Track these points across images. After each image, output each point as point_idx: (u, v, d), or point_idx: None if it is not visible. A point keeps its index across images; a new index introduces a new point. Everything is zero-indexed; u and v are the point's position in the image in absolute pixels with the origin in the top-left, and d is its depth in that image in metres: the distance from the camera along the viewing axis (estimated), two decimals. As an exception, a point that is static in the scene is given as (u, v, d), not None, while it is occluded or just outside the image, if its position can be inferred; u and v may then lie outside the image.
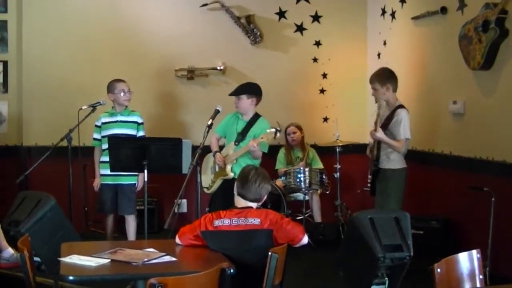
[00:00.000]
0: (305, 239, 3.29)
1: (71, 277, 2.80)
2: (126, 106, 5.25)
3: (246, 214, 3.22)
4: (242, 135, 5.09)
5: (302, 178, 5.92)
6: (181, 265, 3.05)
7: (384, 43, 6.53)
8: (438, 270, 2.56)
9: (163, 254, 3.04)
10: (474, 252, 2.75)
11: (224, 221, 3.20)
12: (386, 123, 4.80)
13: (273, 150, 6.40)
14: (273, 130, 4.69)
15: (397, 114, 4.77)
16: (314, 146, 6.57)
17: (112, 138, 4.71)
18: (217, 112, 4.89)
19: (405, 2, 6.10)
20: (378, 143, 4.84)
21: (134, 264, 2.89)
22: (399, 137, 4.75)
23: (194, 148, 4.59)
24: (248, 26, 6.66)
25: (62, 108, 6.21)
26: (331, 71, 6.90)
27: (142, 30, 6.54)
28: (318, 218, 6.17)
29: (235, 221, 3.20)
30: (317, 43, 6.87)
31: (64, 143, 5.33)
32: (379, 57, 6.64)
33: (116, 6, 6.51)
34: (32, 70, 6.36)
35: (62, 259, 2.94)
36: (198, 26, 6.63)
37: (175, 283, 2.50)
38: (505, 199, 4.62)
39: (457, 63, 5.11)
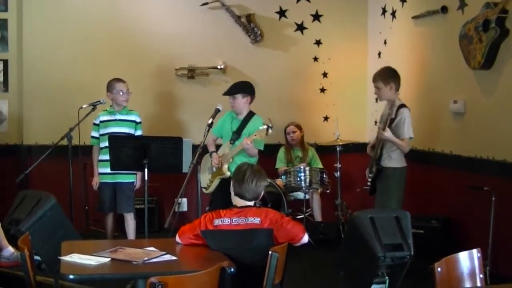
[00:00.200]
0: (305, 238, 3.28)
1: (71, 276, 2.79)
2: (125, 106, 5.25)
3: (246, 214, 3.21)
4: (237, 134, 5.11)
5: (302, 177, 5.92)
6: (181, 264, 3.04)
7: (385, 43, 6.53)
8: (439, 269, 2.55)
9: (163, 253, 3.03)
10: (474, 251, 2.75)
11: (224, 221, 3.19)
12: (389, 122, 4.80)
13: (273, 149, 6.42)
14: (265, 127, 4.72)
15: (400, 114, 4.77)
16: (314, 145, 6.57)
17: (112, 137, 4.71)
18: (217, 111, 4.89)
19: (405, 1, 6.09)
20: (381, 142, 4.84)
21: (134, 263, 2.89)
22: (403, 136, 4.76)
23: (195, 147, 4.59)
24: (249, 25, 6.65)
25: (62, 107, 6.20)
26: (332, 70, 6.90)
27: (142, 29, 6.53)
28: (318, 217, 6.16)
29: (235, 221, 3.19)
30: (318, 42, 6.86)
31: (64, 142, 5.32)
32: (379, 56, 6.64)
33: (117, 5, 6.51)
34: (32, 69, 6.36)
35: (63, 258, 2.94)
36: (199, 25, 6.63)
37: (175, 282, 2.50)
38: (506, 198, 4.62)
39: (457, 63, 5.10)
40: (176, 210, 4.22)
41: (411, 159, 5.06)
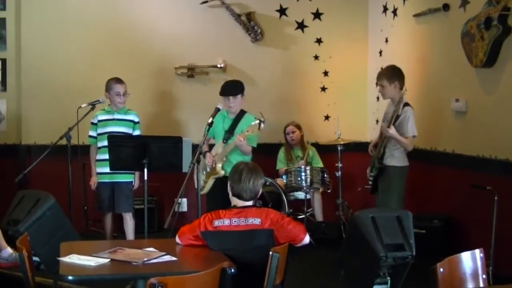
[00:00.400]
0: (307, 239, 3.26)
1: (70, 277, 2.78)
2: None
3: (246, 214, 3.18)
4: (229, 132, 5.09)
5: (303, 177, 5.89)
6: (181, 264, 3.03)
7: (386, 41, 6.50)
8: (441, 269, 2.53)
9: (163, 253, 3.02)
10: (477, 251, 2.73)
11: (224, 221, 3.17)
12: (395, 119, 4.79)
13: (273, 149, 6.40)
14: (257, 121, 4.70)
15: (404, 112, 4.79)
16: (315, 145, 6.54)
17: (112, 137, 4.68)
18: (217, 110, 4.85)
19: (406, -1, 6.08)
20: (384, 140, 4.83)
21: (134, 263, 2.87)
22: (407, 134, 4.78)
23: (195, 147, 4.56)
24: (249, 23, 6.63)
25: (61, 106, 6.18)
26: (332, 69, 6.87)
27: (142, 27, 6.51)
28: (319, 217, 6.14)
29: (235, 221, 3.16)
30: (318, 41, 6.84)
31: (63, 142, 5.30)
32: (380, 54, 6.61)
33: (116, 3, 6.48)
34: (31, 68, 6.33)
35: (61, 258, 2.92)
36: (198, 24, 6.61)
37: (175, 283, 2.48)
38: (508, 198, 4.59)
39: (459, 61, 5.08)
40: (176, 210, 4.18)
41: (413, 158, 5.04)
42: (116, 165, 4.47)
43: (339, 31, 6.86)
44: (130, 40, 6.48)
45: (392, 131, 4.72)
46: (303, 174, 5.90)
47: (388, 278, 3.54)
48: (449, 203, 5.43)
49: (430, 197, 5.74)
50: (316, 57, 6.85)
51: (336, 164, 6.15)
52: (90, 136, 5.28)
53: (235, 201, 3.29)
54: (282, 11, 6.76)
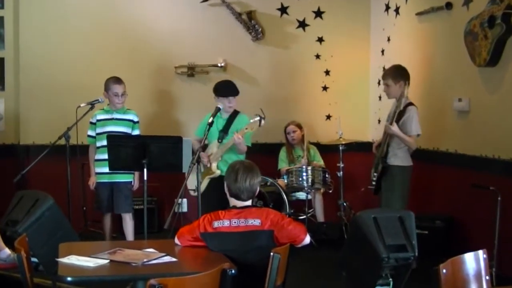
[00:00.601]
0: (307, 239, 3.23)
1: (69, 278, 2.75)
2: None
3: (246, 215, 3.15)
4: (224, 132, 5.05)
5: (304, 177, 5.86)
6: (181, 265, 3.01)
7: (388, 40, 6.47)
8: (444, 270, 2.50)
9: (163, 254, 3.00)
10: (480, 252, 2.69)
11: (223, 222, 3.13)
12: (397, 120, 4.78)
13: (273, 149, 6.37)
14: (257, 118, 4.65)
15: (407, 111, 4.79)
16: (316, 144, 6.50)
17: (111, 136, 4.65)
18: (218, 110, 4.84)
19: (409, -3, 6.04)
20: (387, 139, 4.80)
21: (133, 264, 2.86)
22: (411, 133, 4.78)
23: (194, 147, 4.54)
24: (250, 22, 6.60)
25: (60, 105, 6.16)
26: (334, 68, 6.85)
27: (142, 26, 6.48)
28: (321, 217, 6.11)
29: (235, 222, 3.13)
30: (320, 40, 6.81)
31: (62, 142, 5.27)
32: (382, 53, 6.58)
33: (116, 2, 6.45)
34: (29, 67, 6.30)
35: (60, 259, 2.90)
36: (199, 23, 6.58)
37: (176, 284, 2.46)
38: (511, 198, 4.55)
39: (462, 60, 5.05)
40: (176, 210, 4.16)
41: (415, 158, 5.01)
42: (115, 165, 4.44)
43: (341, 29, 6.83)
44: (130, 39, 6.45)
45: (394, 128, 4.71)
46: (304, 174, 5.87)
47: (390, 279, 3.52)
48: (452, 203, 5.40)
49: (433, 198, 5.71)
50: (317, 56, 6.82)
51: (338, 164, 6.11)
52: (89, 136, 5.25)
53: (233, 201, 3.26)
54: (283, 9, 6.73)
